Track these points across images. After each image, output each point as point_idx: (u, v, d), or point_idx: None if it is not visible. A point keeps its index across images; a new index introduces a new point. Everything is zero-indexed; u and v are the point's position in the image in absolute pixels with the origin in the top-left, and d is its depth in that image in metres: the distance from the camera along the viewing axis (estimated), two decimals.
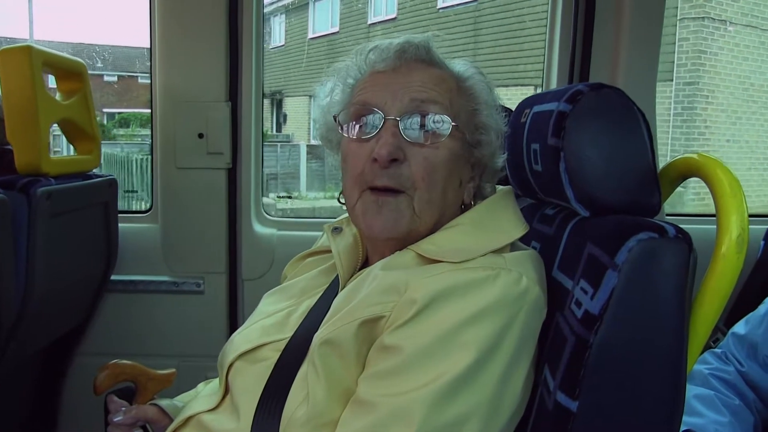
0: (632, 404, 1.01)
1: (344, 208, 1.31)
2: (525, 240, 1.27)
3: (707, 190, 1.08)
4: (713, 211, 1.07)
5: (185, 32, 2.45)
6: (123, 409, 1.41)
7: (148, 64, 2.60)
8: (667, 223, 1.04)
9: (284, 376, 1.18)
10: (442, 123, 1.20)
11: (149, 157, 3.05)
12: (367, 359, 1.12)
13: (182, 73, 2.48)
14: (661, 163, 1.25)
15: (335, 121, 1.29)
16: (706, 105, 11.23)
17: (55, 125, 2.13)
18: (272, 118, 16.53)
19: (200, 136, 2.49)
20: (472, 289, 1.08)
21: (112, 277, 2.54)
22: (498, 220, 1.25)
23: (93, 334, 2.60)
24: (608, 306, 0.99)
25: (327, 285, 1.37)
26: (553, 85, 2.65)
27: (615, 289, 0.99)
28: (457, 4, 13.44)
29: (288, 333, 1.26)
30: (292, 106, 16.33)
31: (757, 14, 11.34)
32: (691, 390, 1.68)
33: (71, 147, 2.35)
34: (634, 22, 2.44)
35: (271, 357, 1.23)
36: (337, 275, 1.34)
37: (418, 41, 1.26)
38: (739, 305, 2.22)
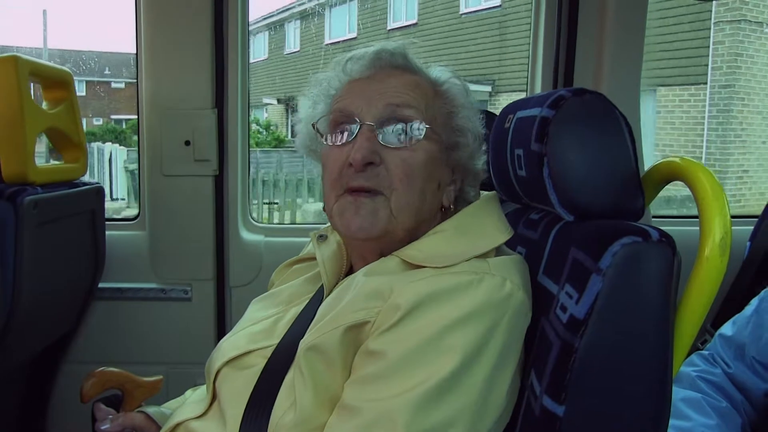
0: (619, 408, 1.02)
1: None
2: (511, 245, 1.28)
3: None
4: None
5: (171, 39, 2.44)
6: (110, 416, 1.41)
7: (134, 70, 2.60)
8: (650, 226, 1.04)
9: (271, 383, 1.18)
10: (418, 126, 1.21)
11: None
12: (352, 365, 1.12)
13: (168, 80, 2.48)
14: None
15: (315, 130, 1.30)
16: (742, 107, 11.20)
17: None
18: (287, 123, 16.50)
19: (187, 143, 2.49)
20: (456, 293, 1.08)
21: (100, 285, 2.53)
22: (482, 225, 1.25)
23: (81, 342, 2.59)
24: (593, 310, 1.00)
25: (313, 292, 1.37)
26: (537, 91, 2.66)
27: (600, 293, 1.00)
28: (481, 9, 13.26)
29: (275, 340, 1.27)
30: None
31: None
32: (678, 393, 1.69)
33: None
34: (618, 27, 2.46)
35: (258, 363, 1.24)
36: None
37: (393, 48, 1.28)
38: (727, 306, 2.23)
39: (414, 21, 14.30)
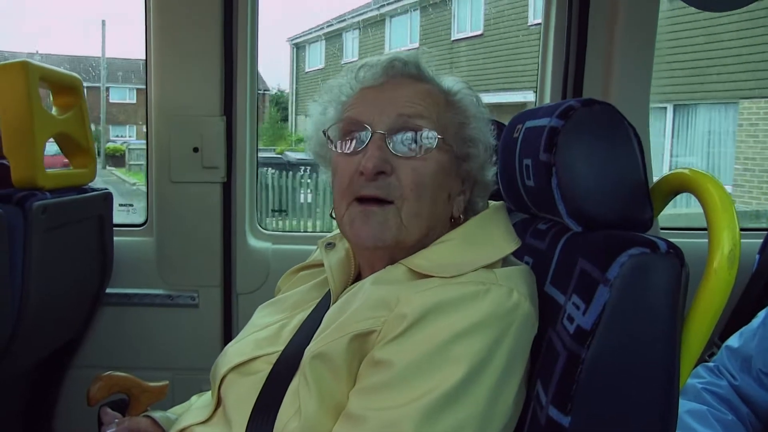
0: (625, 419, 1.01)
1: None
2: (518, 255, 1.28)
3: None
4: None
5: (181, 46, 2.46)
6: (116, 420, 1.42)
7: (143, 77, 2.61)
8: (658, 238, 1.04)
9: (276, 389, 1.18)
10: (429, 136, 1.21)
11: None
12: (358, 373, 1.12)
13: (177, 87, 2.49)
14: None
15: (325, 136, 1.30)
16: None
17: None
18: None
19: (195, 150, 2.50)
20: (463, 303, 1.08)
21: (107, 290, 2.54)
22: (489, 235, 1.25)
23: (88, 347, 2.59)
24: (600, 321, 1.00)
25: (319, 299, 1.38)
26: (546, 101, 2.66)
27: (607, 304, 1.00)
28: None
29: (280, 346, 1.27)
30: None
31: None
32: (684, 405, 1.68)
33: None
34: (627, 37, 2.46)
35: (263, 370, 1.24)
36: (330, 289, 1.34)
37: (407, 57, 1.28)
38: (734, 319, 2.22)
39: (479, 32, 13.95)
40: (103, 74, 11.82)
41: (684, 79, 10.78)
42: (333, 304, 1.28)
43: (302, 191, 8.29)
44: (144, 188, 2.70)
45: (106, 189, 2.40)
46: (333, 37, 15.39)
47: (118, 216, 2.58)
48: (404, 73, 1.28)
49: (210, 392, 1.39)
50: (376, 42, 15.13)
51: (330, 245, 1.41)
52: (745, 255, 1.06)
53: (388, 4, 13.96)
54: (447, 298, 1.09)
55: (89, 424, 1.51)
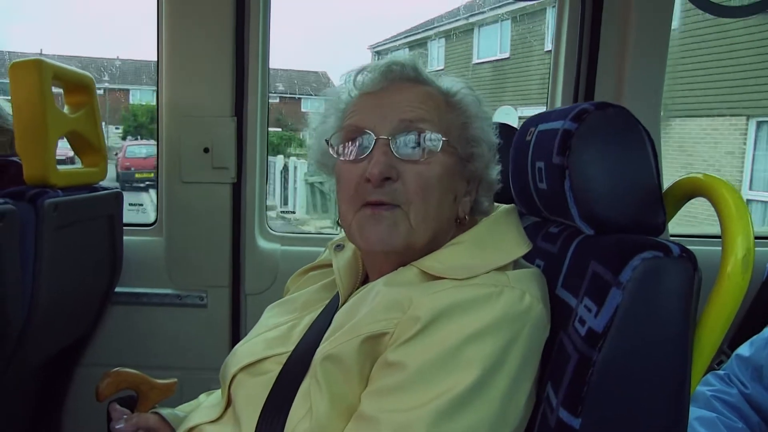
0: (635, 423, 1.01)
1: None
2: (529, 258, 1.27)
3: None
4: (717, 232, 1.07)
5: (192, 47, 2.46)
6: (125, 417, 1.42)
7: (154, 77, 2.61)
8: (671, 242, 1.04)
9: (286, 390, 1.18)
10: (433, 139, 1.21)
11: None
12: (370, 375, 1.12)
13: (188, 87, 2.49)
14: None
15: (328, 144, 1.29)
16: None
17: None
18: None
19: (206, 150, 2.50)
20: (476, 306, 1.08)
21: (117, 289, 2.54)
22: (501, 237, 1.25)
23: (97, 346, 2.60)
24: (612, 324, 0.99)
25: (329, 299, 1.38)
26: (558, 104, 2.66)
27: (619, 307, 0.99)
28: None
29: (290, 346, 1.27)
30: None
31: None
32: (694, 412, 1.67)
33: None
34: (640, 41, 2.46)
35: (273, 370, 1.24)
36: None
37: (405, 60, 1.28)
38: (744, 328, 2.21)
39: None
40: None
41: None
42: (342, 305, 1.28)
43: None
44: None
45: (117, 188, 2.40)
46: (417, 45, 15.13)
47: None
48: (403, 76, 1.27)
49: (219, 391, 1.39)
50: (463, 51, 14.96)
51: (339, 247, 1.42)
52: (756, 264, 1.05)
53: (478, 13, 13.74)
54: (460, 300, 1.09)
55: (98, 420, 1.51)
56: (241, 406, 1.24)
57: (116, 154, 11.75)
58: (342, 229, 1.32)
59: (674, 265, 1.01)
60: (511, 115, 11.02)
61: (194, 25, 2.45)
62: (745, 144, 10.62)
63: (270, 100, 2.71)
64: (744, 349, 1.80)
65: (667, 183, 1.27)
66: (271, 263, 2.63)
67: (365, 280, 1.35)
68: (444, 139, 1.21)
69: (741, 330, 2.22)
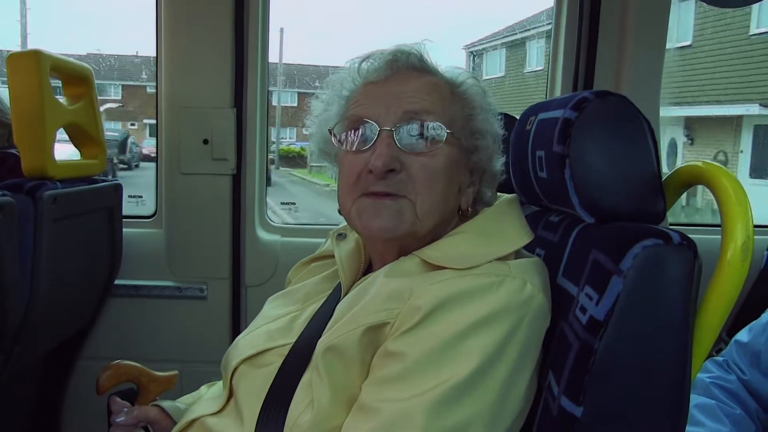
0: (637, 410, 1.01)
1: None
2: (529, 247, 1.27)
3: None
4: (715, 221, 1.08)
5: (191, 38, 2.46)
6: (125, 409, 1.42)
7: (154, 69, 2.61)
8: (672, 230, 1.04)
9: (288, 381, 1.18)
10: (437, 130, 1.20)
11: None
12: (371, 365, 1.12)
13: (188, 79, 2.49)
14: None
15: (331, 134, 1.29)
16: None
17: None
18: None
19: (205, 142, 2.50)
20: (477, 295, 1.08)
21: (116, 282, 2.55)
22: (503, 227, 1.25)
23: (96, 338, 2.60)
24: (613, 312, 1.00)
25: (330, 290, 1.38)
26: (557, 94, 2.65)
27: (620, 295, 1.00)
28: None
29: (292, 338, 1.27)
30: None
31: None
32: (693, 399, 1.67)
33: None
34: (639, 30, 2.46)
35: (275, 362, 1.24)
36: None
37: (410, 49, 1.26)
38: (742, 315, 2.21)
39: (688, 42, 13.33)
40: (279, 80, 11.88)
41: None
42: (344, 295, 1.28)
43: None
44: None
45: (117, 180, 2.41)
46: (515, 45, 14.82)
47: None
48: (408, 65, 1.26)
49: (220, 383, 1.39)
50: (519, 59, 14.25)
51: (341, 236, 1.41)
52: (754, 252, 1.05)
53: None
54: (461, 290, 1.09)
55: (98, 413, 1.51)
56: (242, 398, 1.24)
57: None
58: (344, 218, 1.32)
59: (675, 253, 1.01)
60: None
61: (193, 16, 2.45)
62: None
63: None
64: (742, 336, 1.80)
65: None
66: (271, 255, 2.63)
67: (368, 270, 1.35)
68: (448, 131, 1.21)
69: (739, 316, 2.23)
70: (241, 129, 2.55)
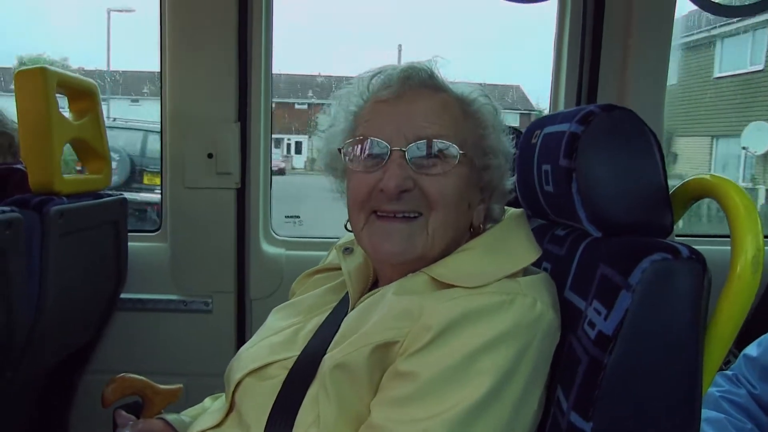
0: (647, 425, 1.01)
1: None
2: (536, 261, 1.27)
3: None
4: (723, 232, 1.07)
5: (195, 52, 2.46)
6: (130, 423, 1.42)
7: (158, 84, 2.61)
8: (680, 243, 1.04)
9: (293, 395, 1.18)
10: (450, 151, 1.20)
11: None
12: (380, 385, 1.12)
13: (192, 93, 2.49)
14: None
15: (339, 151, 1.28)
16: None
17: None
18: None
19: (209, 155, 2.51)
20: (488, 314, 1.07)
21: (122, 296, 2.55)
22: (511, 244, 1.25)
23: (102, 352, 2.60)
24: (622, 326, 0.99)
25: (335, 303, 1.37)
26: (561, 107, 2.65)
27: (629, 309, 0.99)
28: None
29: (296, 351, 1.26)
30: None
31: None
32: (702, 414, 1.66)
33: None
34: (642, 43, 2.46)
35: (279, 375, 1.23)
36: (347, 293, 1.34)
37: (421, 66, 1.26)
38: (751, 328, 2.19)
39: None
40: None
41: None
42: (351, 310, 1.28)
43: None
44: None
45: (122, 194, 2.41)
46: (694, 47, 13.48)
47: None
48: (419, 82, 1.24)
49: (223, 395, 1.38)
50: (701, 64, 13.86)
51: (348, 250, 1.40)
52: (764, 263, 1.05)
53: (724, 24, 12.58)
54: (472, 309, 1.08)
55: (103, 427, 1.51)
56: (247, 411, 1.24)
57: None
58: (349, 232, 1.32)
59: (683, 267, 1.00)
60: (763, 131, 10.48)
61: (197, 30, 2.45)
62: None
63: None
64: (752, 349, 1.79)
65: None
66: (276, 268, 2.62)
67: (374, 285, 1.34)
68: (461, 152, 1.21)
69: (748, 330, 2.21)
70: (245, 143, 2.55)
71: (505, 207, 1.36)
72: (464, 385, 1.03)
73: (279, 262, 2.64)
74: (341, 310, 1.33)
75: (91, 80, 2.26)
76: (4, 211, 1.71)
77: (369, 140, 1.22)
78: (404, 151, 1.19)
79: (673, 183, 1.25)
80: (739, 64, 13.19)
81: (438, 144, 1.19)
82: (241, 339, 2.61)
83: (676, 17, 2.51)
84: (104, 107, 2.33)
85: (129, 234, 2.52)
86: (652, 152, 1.15)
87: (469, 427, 1.01)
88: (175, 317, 2.62)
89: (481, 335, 1.05)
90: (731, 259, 1.04)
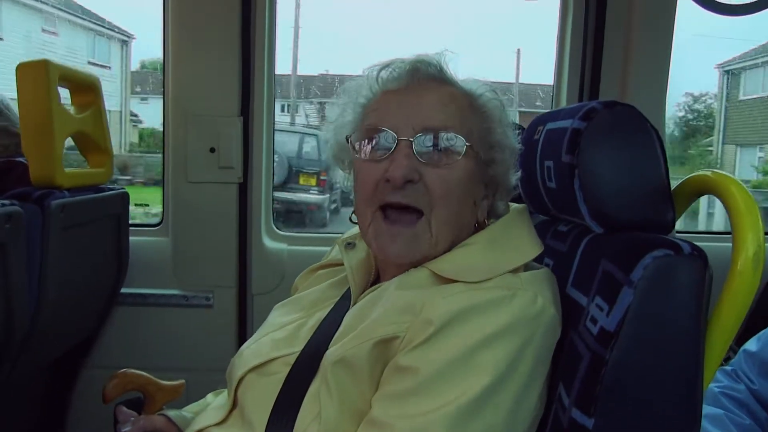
0: (649, 421, 1.01)
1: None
2: (538, 257, 1.27)
3: None
4: (723, 229, 1.07)
5: (198, 46, 2.46)
6: (132, 419, 1.42)
7: (161, 77, 2.61)
8: (682, 240, 1.04)
9: (295, 391, 1.18)
10: (456, 142, 1.20)
11: None
12: (381, 379, 1.11)
13: (195, 86, 2.50)
14: None
15: (347, 141, 1.29)
16: None
17: None
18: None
19: (212, 150, 2.51)
20: (488, 309, 1.07)
21: (123, 290, 2.55)
22: (513, 239, 1.24)
23: (103, 347, 2.60)
24: (624, 323, 0.99)
25: (337, 298, 1.37)
26: (563, 104, 2.65)
27: (631, 305, 0.99)
28: None
29: (298, 347, 1.26)
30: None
31: None
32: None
33: None
34: (644, 40, 2.46)
35: (281, 371, 1.23)
36: (349, 288, 1.34)
37: (430, 59, 1.26)
38: (751, 323, 2.20)
39: None
40: (515, 99, 11.97)
41: None
42: (353, 305, 1.28)
43: None
44: None
45: (123, 189, 2.41)
46: None
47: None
48: (428, 75, 1.25)
49: (226, 392, 1.38)
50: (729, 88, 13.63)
51: (350, 245, 1.40)
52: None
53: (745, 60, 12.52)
54: (473, 304, 1.08)
55: (104, 422, 1.51)
56: (250, 408, 1.23)
57: None
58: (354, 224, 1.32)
59: (685, 264, 1.00)
60: None
61: (200, 24, 2.45)
62: None
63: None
64: (751, 345, 1.78)
65: None
66: (277, 263, 2.63)
67: (376, 280, 1.34)
68: (467, 144, 1.21)
69: (748, 326, 2.21)
70: (248, 137, 2.55)
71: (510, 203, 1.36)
72: (465, 379, 1.03)
73: (280, 258, 2.64)
74: (343, 305, 1.32)
75: (93, 74, 2.26)
76: (4, 205, 1.71)
77: (376, 128, 1.23)
78: (411, 141, 1.19)
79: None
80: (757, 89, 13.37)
81: (444, 137, 1.19)
82: (242, 334, 2.61)
83: None
84: None
85: (131, 228, 2.52)
86: (654, 148, 1.15)
87: (469, 421, 1.01)
88: (176, 312, 2.62)
89: (481, 330, 1.05)
90: (732, 255, 1.04)
